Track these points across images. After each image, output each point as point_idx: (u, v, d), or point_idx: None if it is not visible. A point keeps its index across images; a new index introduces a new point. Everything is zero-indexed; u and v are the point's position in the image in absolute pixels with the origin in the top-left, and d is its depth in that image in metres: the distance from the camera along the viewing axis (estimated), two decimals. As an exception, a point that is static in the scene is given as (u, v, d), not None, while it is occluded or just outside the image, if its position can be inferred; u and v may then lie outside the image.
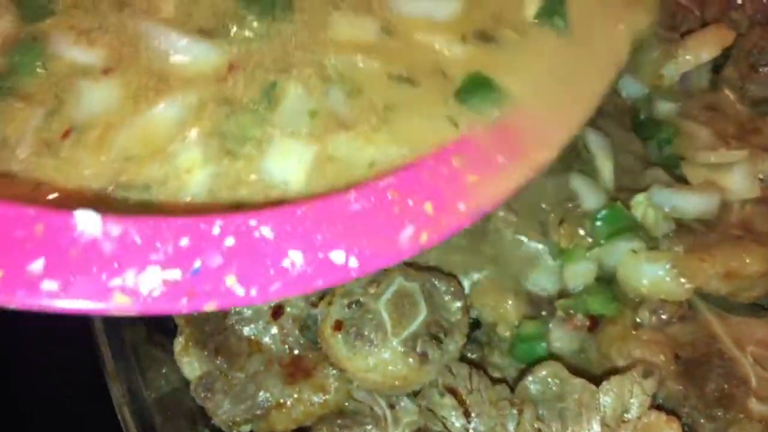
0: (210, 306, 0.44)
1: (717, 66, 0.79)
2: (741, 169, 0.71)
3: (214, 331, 0.67)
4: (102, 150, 0.52)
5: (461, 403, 0.62)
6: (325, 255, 0.46)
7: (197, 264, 0.44)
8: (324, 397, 0.65)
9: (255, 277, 0.45)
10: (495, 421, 0.61)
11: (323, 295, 0.66)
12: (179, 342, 0.68)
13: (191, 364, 0.67)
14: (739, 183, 0.70)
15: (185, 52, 0.55)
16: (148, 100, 0.53)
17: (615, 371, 0.64)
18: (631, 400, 0.61)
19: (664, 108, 0.77)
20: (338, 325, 0.62)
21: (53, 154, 0.51)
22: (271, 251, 0.45)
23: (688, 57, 0.76)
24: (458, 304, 0.65)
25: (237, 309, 0.67)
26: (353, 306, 0.63)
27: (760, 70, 0.78)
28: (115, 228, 0.44)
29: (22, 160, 0.51)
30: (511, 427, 0.61)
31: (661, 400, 0.64)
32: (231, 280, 0.44)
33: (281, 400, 0.65)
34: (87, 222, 0.43)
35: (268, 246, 0.45)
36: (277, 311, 0.67)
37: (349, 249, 0.46)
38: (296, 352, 0.67)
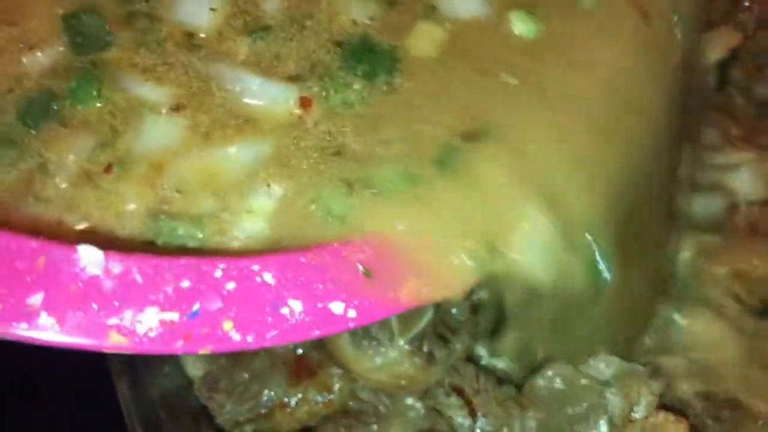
0: (205, 350, 0.44)
1: (723, 67, 0.79)
2: (748, 171, 0.71)
3: (219, 329, 0.67)
4: (153, 180, 0.51)
5: (468, 403, 0.62)
6: (324, 305, 0.45)
7: (196, 307, 0.43)
8: (328, 397, 0.65)
9: (252, 324, 0.44)
10: (502, 421, 0.61)
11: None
12: (183, 340, 0.67)
13: (195, 363, 0.67)
14: (746, 184, 0.71)
15: (262, 97, 0.54)
16: (226, 137, 0.52)
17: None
18: (639, 400, 0.60)
19: (670, 108, 0.77)
20: (345, 325, 0.62)
21: (94, 186, 0.50)
22: (271, 298, 0.45)
23: (694, 58, 0.76)
24: (465, 303, 0.65)
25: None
26: (359, 305, 0.62)
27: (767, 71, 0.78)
28: (117, 266, 0.43)
29: (60, 187, 0.50)
30: (517, 427, 0.61)
31: (667, 401, 0.64)
32: (228, 326, 0.44)
33: (285, 400, 0.65)
34: (90, 258, 0.43)
35: (268, 292, 0.45)
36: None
37: (349, 300, 0.46)
38: (300, 351, 0.66)
